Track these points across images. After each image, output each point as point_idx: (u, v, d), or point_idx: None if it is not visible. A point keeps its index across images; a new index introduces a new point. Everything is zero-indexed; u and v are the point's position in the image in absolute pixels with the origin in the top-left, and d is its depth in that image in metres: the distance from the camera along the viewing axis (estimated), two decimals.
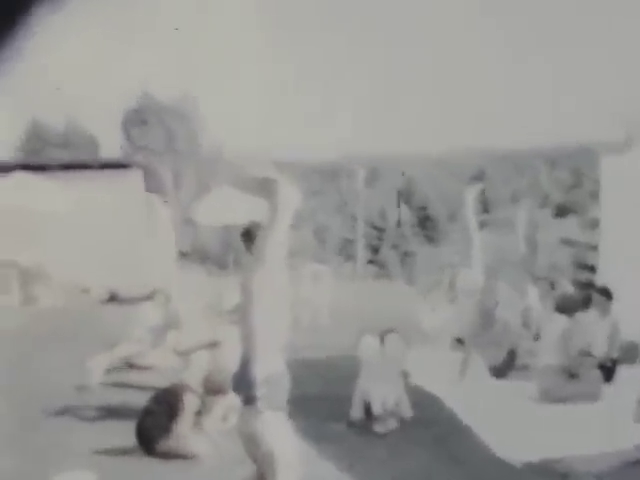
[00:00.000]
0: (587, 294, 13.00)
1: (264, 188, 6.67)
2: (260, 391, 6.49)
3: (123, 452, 9.15)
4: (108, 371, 13.11)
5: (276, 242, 6.78)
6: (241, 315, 6.89)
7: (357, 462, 8.88)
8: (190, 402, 9.27)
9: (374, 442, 9.70)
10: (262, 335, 6.78)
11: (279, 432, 6.53)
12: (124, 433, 9.30)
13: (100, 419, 10.74)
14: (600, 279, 15.00)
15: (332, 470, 8.59)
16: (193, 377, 9.69)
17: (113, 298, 22.37)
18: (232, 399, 9.44)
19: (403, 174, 40.01)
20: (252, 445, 6.60)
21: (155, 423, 9.22)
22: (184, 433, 9.16)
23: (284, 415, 6.71)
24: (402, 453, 9.25)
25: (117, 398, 10.88)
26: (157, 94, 37.82)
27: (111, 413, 10.57)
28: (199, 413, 9.45)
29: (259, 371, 6.54)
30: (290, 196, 6.63)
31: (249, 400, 6.54)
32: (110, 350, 13.26)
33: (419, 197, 40.24)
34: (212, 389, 9.51)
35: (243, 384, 6.62)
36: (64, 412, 11.12)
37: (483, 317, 13.25)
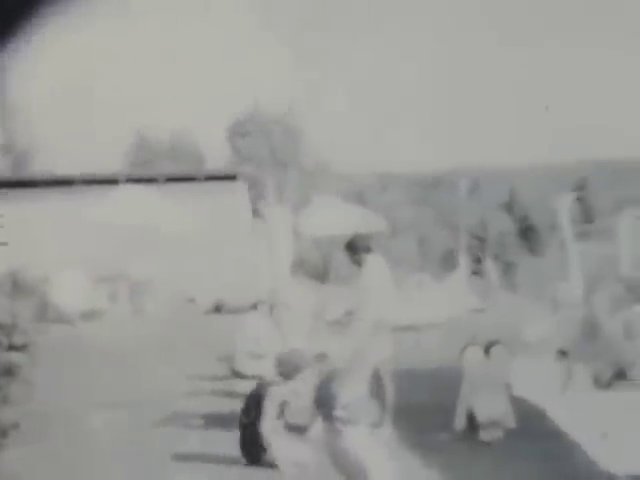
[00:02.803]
0: None
1: None
2: (340, 412, 6.67)
3: (230, 460, 9.34)
4: (209, 377, 13.43)
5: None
6: (342, 330, 7.07)
7: (462, 472, 8.94)
8: (274, 395, 9.33)
9: (479, 452, 9.73)
10: (358, 355, 6.95)
11: (367, 449, 6.71)
12: (229, 441, 9.49)
13: (206, 427, 10.96)
14: None
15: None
16: (268, 368, 9.75)
17: (219, 308, 22.63)
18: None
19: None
20: (339, 461, 6.80)
21: (252, 434, 9.36)
22: (270, 427, 9.26)
23: (372, 432, 6.89)
24: (506, 464, 9.27)
25: (223, 406, 11.10)
26: (263, 106, 38.17)
27: (217, 421, 10.77)
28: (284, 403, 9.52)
29: (343, 392, 6.71)
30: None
31: (328, 418, 6.73)
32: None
33: (521, 207, 39.84)
34: (286, 372, 9.53)
35: (324, 401, 6.81)
36: (172, 420, 11.38)
37: (585, 329, 13.12)
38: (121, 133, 37.40)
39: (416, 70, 48.46)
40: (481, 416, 10.27)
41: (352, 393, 6.79)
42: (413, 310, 17.26)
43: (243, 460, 9.32)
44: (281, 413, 9.38)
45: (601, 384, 12.60)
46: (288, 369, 9.51)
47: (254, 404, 9.48)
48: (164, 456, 9.65)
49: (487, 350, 10.72)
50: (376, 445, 6.88)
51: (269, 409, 9.23)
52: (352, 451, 6.72)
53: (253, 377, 13.26)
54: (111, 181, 25.09)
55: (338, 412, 6.72)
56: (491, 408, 10.35)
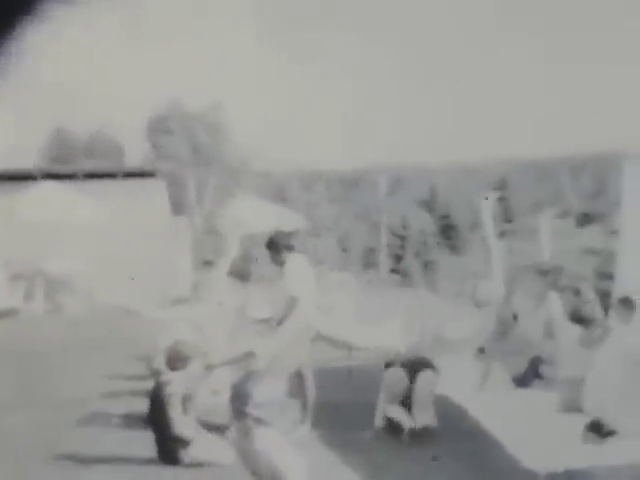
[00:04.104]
0: (606, 303, 12.95)
1: None
2: (254, 411, 6.64)
3: (146, 461, 9.21)
4: (128, 377, 13.26)
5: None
6: (264, 330, 7.05)
7: (382, 471, 8.92)
8: (173, 392, 9.21)
9: (400, 451, 9.71)
10: (278, 355, 6.91)
11: (279, 449, 6.68)
12: (148, 441, 9.36)
13: (124, 427, 10.80)
14: (619, 288, 14.80)
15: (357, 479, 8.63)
16: (160, 363, 9.68)
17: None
18: (219, 373, 9.46)
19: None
20: (250, 461, 6.76)
21: (164, 434, 9.24)
22: (181, 426, 9.15)
23: (290, 431, 6.87)
24: (427, 463, 9.27)
25: (141, 407, 10.92)
26: (184, 102, 37.94)
27: (135, 421, 10.61)
28: (188, 398, 9.40)
29: (258, 391, 6.68)
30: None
31: (240, 414, 6.69)
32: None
33: (441, 206, 40.19)
34: (174, 364, 9.43)
35: (239, 399, 6.77)
36: (89, 420, 11.21)
37: (501, 327, 13.21)
38: (39, 128, 36.90)
39: (338, 70, 48.57)
40: (403, 422, 10.20)
41: (268, 392, 6.76)
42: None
43: (159, 460, 9.20)
44: (185, 408, 9.27)
45: (520, 382, 12.70)
46: (176, 361, 9.41)
47: (156, 401, 9.36)
48: (81, 457, 9.48)
49: (413, 372, 10.54)
50: (288, 446, 6.86)
51: (172, 405, 9.13)
52: (264, 451, 6.70)
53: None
54: (28, 177, 24.67)
55: (252, 411, 6.69)
56: (413, 418, 10.31)
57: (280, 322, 9.05)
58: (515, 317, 13.31)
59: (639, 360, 9.95)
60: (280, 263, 10.11)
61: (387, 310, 17.63)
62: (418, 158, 38.98)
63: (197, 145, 37.29)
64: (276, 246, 10.15)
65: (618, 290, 14.48)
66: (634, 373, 9.96)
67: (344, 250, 38.03)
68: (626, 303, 11.59)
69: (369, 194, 38.04)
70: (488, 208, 15.45)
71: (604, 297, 14.37)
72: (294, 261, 10.14)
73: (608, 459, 8.92)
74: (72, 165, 33.02)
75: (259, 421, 6.69)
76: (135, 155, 37.69)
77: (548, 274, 14.03)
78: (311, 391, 10.06)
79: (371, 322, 15.37)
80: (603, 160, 36.16)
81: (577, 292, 13.76)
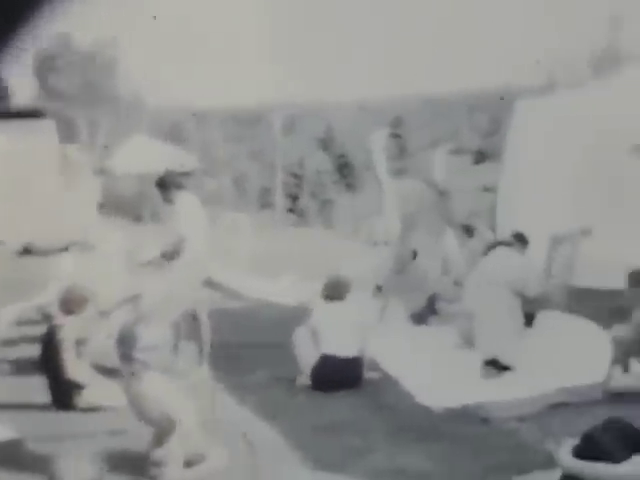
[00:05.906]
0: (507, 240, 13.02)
1: None
2: (140, 354, 6.58)
3: (40, 407, 9.03)
4: (20, 322, 12.94)
5: None
6: (155, 270, 6.96)
7: (279, 410, 8.87)
8: (66, 336, 9.04)
9: (296, 390, 9.66)
10: (169, 296, 6.83)
11: (165, 393, 6.64)
12: (40, 387, 9.17)
13: (18, 373, 10.57)
14: (501, 224, 14.80)
15: (254, 420, 8.56)
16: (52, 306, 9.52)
17: (28, 250, 21.90)
18: (116, 317, 9.30)
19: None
20: (137, 404, 6.70)
21: (57, 378, 9.06)
22: (75, 370, 8.99)
23: (183, 374, 6.83)
24: (324, 401, 9.23)
25: (33, 352, 10.70)
26: (74, 38, 37.06)
27: (27, 367, 10.38)
28: (82, 342, 9.22)
29: (144, 334, 6.62)
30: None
31: (127, 358, 6.62)
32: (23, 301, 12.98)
33: (338, 144, 40.12)
34: (69, 307, 9.27)
35: (125, 343, 6.69)
36: None
37: (400, 265, 13.24)
38: None
39: (236, 5, 47.98)
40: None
41: (154, 336, 6.68)
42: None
43: (54, 406, 9.02)
44: (79, 353, 9.09)
45: (417, 319, 12.78)
46: (70, 305, 9.25)
47: (48, 346, 9.17)
48: None
49: None
50: (179, 389, 6.81)
51: (66, 350, 8.95)
52: (151, 395, 6.64)
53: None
54: None
55: (138, 355, 6.62)
56: None
57: (169, 262, 8.93)
58: (415, 254, 13.34)
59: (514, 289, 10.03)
60: (170, 201, 10.00)
61: (282, 256, 17.64)
62: (314, 96, 38.86)
63: (88, 83, 36.53)
64: (166, 185, 10.02)
65: (499, 226, 14.60)
66: (515, 305, 10.08)
67: (240, 190, 37.81)
68: (520, 238, 11.68)
69: (265, 133, 37.80)
70: (379, 146, 15.41)
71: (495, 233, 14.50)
72: (183, 200, 10.03)
73: (505, 394, 9.00)
74: None
75: (146, 365, 6.61)
76: (23, 95, 36.75)
77: (439, 205, 14.06)
78: (206, 333, 9.93)
79: (265, 271, 15.26)
80: (498, 97, 36.49)
81: (471, 229, 13.88)
